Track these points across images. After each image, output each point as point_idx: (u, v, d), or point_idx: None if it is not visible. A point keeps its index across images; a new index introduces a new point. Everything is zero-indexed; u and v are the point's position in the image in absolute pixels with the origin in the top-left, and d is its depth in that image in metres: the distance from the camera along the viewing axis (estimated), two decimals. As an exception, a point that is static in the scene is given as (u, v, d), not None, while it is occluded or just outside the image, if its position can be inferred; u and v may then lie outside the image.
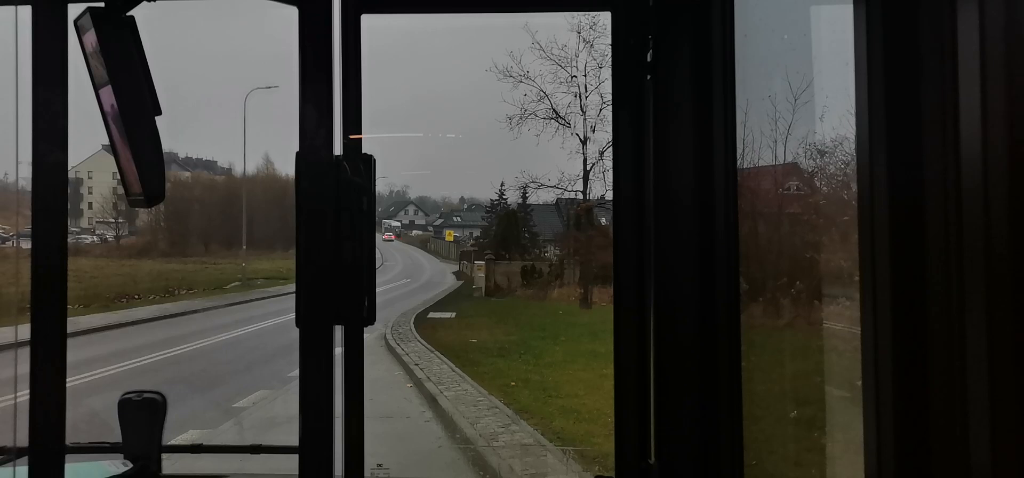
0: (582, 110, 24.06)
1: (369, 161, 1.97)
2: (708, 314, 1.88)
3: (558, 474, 8.34)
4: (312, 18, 1.87)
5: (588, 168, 24.45)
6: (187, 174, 42.95)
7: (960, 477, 0.97)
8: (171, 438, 2.51)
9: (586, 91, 23.89)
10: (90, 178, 41.42)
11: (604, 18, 10.64)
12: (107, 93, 1.96)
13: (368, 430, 1.98)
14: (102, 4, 1.91)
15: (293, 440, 1.92)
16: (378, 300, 2.04)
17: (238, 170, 40.01)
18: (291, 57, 1.87)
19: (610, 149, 2.17)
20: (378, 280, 2.12)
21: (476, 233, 38.37)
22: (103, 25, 1.89)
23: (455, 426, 10.12)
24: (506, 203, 34.21)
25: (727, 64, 1.82)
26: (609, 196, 7.87)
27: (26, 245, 2.08)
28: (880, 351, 1.10)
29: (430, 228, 53.50)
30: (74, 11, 1.93)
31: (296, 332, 1.87)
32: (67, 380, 1.95)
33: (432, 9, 2.32)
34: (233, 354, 15.56)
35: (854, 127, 1.17)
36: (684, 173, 1.92)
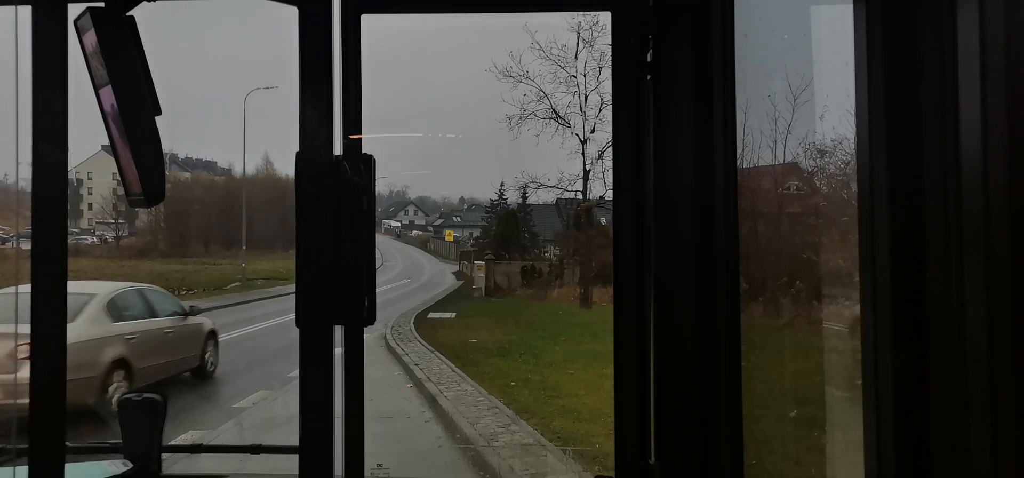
0: (582, 110, 24.08)
1: (369, 161, 1.97)
2: (708, 314, 1.88)
3: (558, 474, 8.34)
4: (312, 18, 1.87)
5: (588, 168, 24.47)
6: (187, 174, 42.97)
7: (960, 477, 0.97)
8: (170, 438, 2.51)
9: (586, 91, 23.92)
10: (90, 178, 41.44)
11: (604, 18, 10.64)
12: (107, 93, 1.96)
13: (368, 430, 1.98)
14: (102, 4, 1.91)
15: (293, 440, 1.92)
16: (378, 300, 2.04)
17: (238, 170, 40.07)
18: (291, 57, 1.87)
19: (610, 149, 2.17)
20: (378, 280, 2.12)
21: (476, 233, 38.40)
22: (103, 25, 1.89)
23: (455, 426, 10.12)
24: (506, 203, 34.24)
25: (727, 64, 1.82)
26: (609, 196, 7.86)
27: (26, 245, 2.08)
28: (880, 351, 1.10)
29: (430, 228, 53.54)
30: (74, 11, 1.93)
31: (296, 332, 1.87)
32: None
33: (432, 9, 2.32)
34: (233, 354, 15.54)
35: (854, 127, 1.17)
36: (684, 173, 1.92)
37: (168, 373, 11.85)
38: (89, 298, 10.68)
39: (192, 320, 12.88)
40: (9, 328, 7.41)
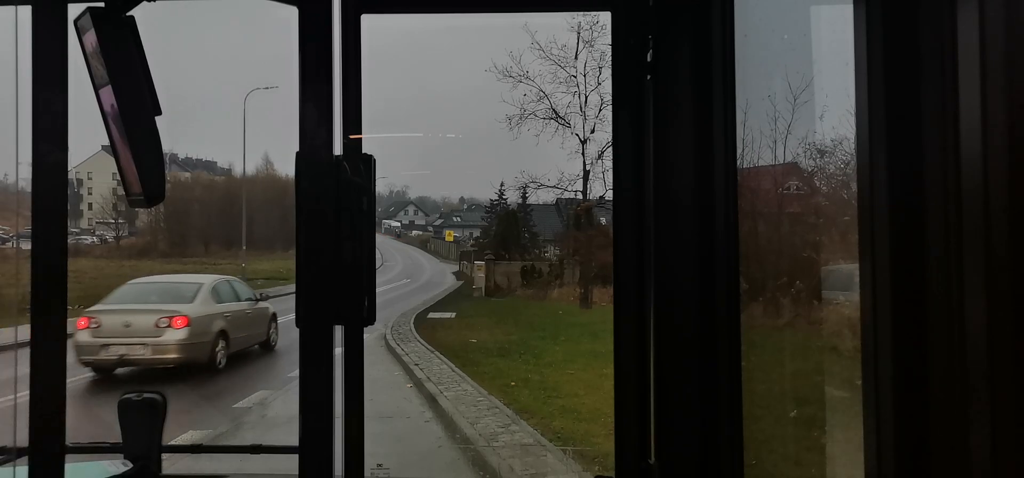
0: (582, 110, 24.07)
1: (369, 161, 1.97)
2: (708, 314, 1.88)
3: (558, 474, 8.34)
4: (312, 18, 1.87)
5: (588, 168, 24.45)
6: (187, 174, 42.99)
7: (960, 477, 0.97)
8: (170, 438, 2.51)
9: (586, 91, 23.91)
10: (90, 178, 41.44)
11: (604, 18, 10.64)
12: (107, 93, 1.96)
13: (368, 430, 1.98)
14: (102, 4, 1.91)
15: (293, 440, 1.92)
16: (378, 300, 2.04)
17: (238, 170, 40.09)
18: (291, 57, 1.87)
19: (610, 149, 2.17)
20: (377, 280, 2.12)
21: (476, 233, 38.41)
22: (103, 25, 1.89)
23: (455, 426, 10.12)
24: (506, 203, 34.25)
25: (727, 64, 1.82)
26: (609, 196, 7.86)
27: (26, 245, 2.08)
28: (880, 351, 1.10)
29: (430, 228, 53.56)
30: (74, 11, 1.93)
31: (295, 333, 1.88)
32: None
33: (432, 9, 2.32)
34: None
35: (854, 127, 1.17)
36: (684, 173, 1.92)
37: (247, 344, 15.04)
38: (199, 285, 14.58)
39: (261, 304, 15.89)
40: (152, 306, 13.34)
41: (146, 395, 2.44)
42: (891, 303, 1.07)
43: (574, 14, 21.61)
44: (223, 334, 13.87)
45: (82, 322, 12.75)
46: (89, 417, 9.83)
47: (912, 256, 1.05)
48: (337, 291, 1.88)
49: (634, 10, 1.99)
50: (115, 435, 2.42)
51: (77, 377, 12.22)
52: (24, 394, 1.87)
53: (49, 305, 1.90)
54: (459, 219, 47.98)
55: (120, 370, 12.90)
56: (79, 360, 12.37)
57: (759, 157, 2.04)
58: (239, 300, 15.22)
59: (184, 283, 15.20)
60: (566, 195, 26.42)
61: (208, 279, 15.20)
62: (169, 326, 12.91)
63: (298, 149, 1.86)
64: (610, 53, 2.06)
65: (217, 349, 13.63)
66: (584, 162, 24.48)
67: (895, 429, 1.07)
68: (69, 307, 2.00)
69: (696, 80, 1.91)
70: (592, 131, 23.92)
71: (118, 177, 2.09)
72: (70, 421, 1.89)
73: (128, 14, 1.92)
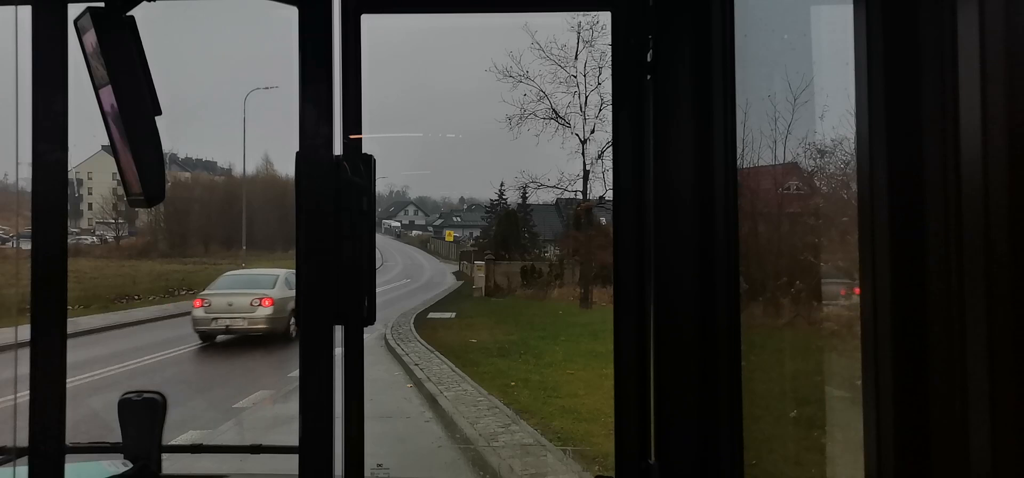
0: (582, 110, 24.08)
1: (369, 161, 1.97)
2: (708, 314, 1.88)
3: (558, 474, 8.34)
4: (312, 18, 1.87)
5: (588, 168, 24.46)
6: (187, 174, 43.01)
7: (960, 477, 0.97)
8: (171, 438, 2.51)
9: (586, 91, 23.91)
10: (90, 178, 41.48)
11: (604, 18, 10.64)
12: (107, 93, 1.96)
13: (368, 430, 1.98)
14: (102, 4, 1.91)
15: (293, 440, 1.92)
16: (378, 300, 2.04)
17: (238, 170, 40.15)
18: (291, 57, 1.87)
19: (610, 149, 2.17)
20: (377, 280, 2.12)
21: (476, 233, 38.44)
22: (103, 25, 1.89)
23: (455, 426, 10.12)
24: (506, 203, 34.28)
25: (727, 64, 1.82)
26: (609, 196, 7.86)
27: (26, 245, 2.08)
28: (880, 351, 1.10)
29: (430, 228, 53.59)
30: (74, 11, 1.93)
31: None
32: (67, 380, 1.95)
33: (432, 9, 2.32)
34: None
35: (854, 127, 1.17)
36: (684, 173, 1.92)
37: (308, 322, 17.58)
38: (277, 276, 18.50)
39: None
40: (248, 290, 17.66)
41: (146, 395, 2.44)
42: (891, 303, 1.07)
43: (574, 14, 21.64)
44: (294, 312, 16.03)
45: (197, 302, 17.60)
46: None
47: (912, 256, 1.05)
48: (337, 291, 1.88)
49: (634, 10, 1.99)
50: (112, 436, 2.42)
51: (191, 344, 16.90)
52: (24, 394, 1.87)
53: (49, 305, 1.90)
54: (459, 219, 48.00)
55: (220, 337, 17.22)
56: (194, 330, 17.10)
57: (759, 157, 2.04)
58: None
59: (264, 274, 19.54)
60: (566, 195, 26.46)
61: (281, 271, 19.21)
62: (260, 305, 17.31)
63: (298, 149, 1.86)
64: (610, 53, 2.06)
65: (290, 323, 17.10)
66: (584, 162, 24.52)
67: (895, 429, 1.07)
68: (69, 307, 1.99)
69: (696, 80, 1.91)
70: (592, 131, 23.95)
71: (118, 177, 2.09)
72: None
73: (128, 14, 1.92)
